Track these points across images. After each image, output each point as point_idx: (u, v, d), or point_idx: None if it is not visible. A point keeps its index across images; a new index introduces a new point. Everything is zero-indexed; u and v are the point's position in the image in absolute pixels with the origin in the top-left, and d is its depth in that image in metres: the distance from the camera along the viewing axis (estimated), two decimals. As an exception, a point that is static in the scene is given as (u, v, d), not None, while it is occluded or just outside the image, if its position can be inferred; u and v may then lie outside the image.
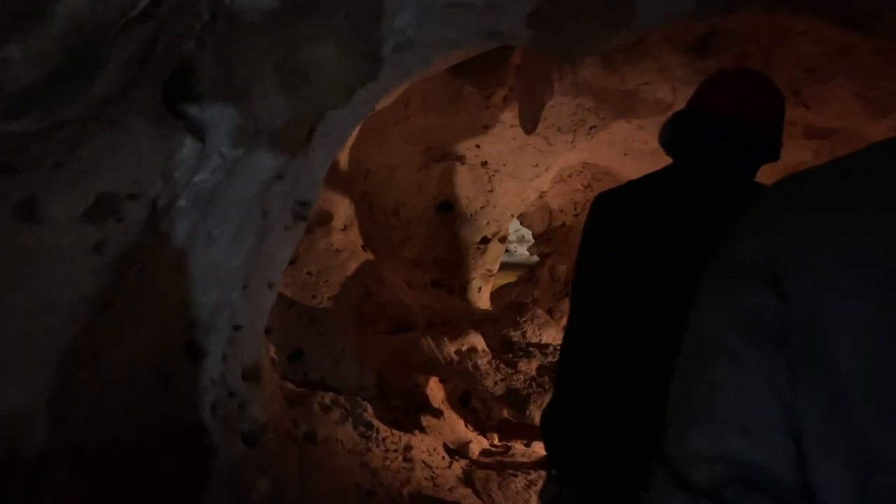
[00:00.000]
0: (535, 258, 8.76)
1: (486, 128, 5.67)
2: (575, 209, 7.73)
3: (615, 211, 1.72)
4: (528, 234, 9.45)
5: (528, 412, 4.29)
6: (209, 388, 2.61)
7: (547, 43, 2.86)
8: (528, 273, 8.12)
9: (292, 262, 4.93)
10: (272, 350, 4.54)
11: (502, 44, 2.90)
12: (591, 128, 5.72)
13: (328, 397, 4.20)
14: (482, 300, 6.42)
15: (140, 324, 1.99)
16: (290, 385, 4.30)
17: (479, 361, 4.50)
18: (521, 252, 13.74)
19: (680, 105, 5.42)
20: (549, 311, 7.59)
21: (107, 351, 1.79)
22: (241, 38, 1.55)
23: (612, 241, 1.65)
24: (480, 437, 4.89)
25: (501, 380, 4.43)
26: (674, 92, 5.14)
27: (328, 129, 2.67)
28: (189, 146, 1.55)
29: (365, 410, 4.21)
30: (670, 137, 1.72)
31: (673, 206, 1.58)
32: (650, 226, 1.58)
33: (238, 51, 1.57)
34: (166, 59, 1.40)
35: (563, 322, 4.66)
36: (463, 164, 5.93)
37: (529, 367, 4.59)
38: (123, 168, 1.41)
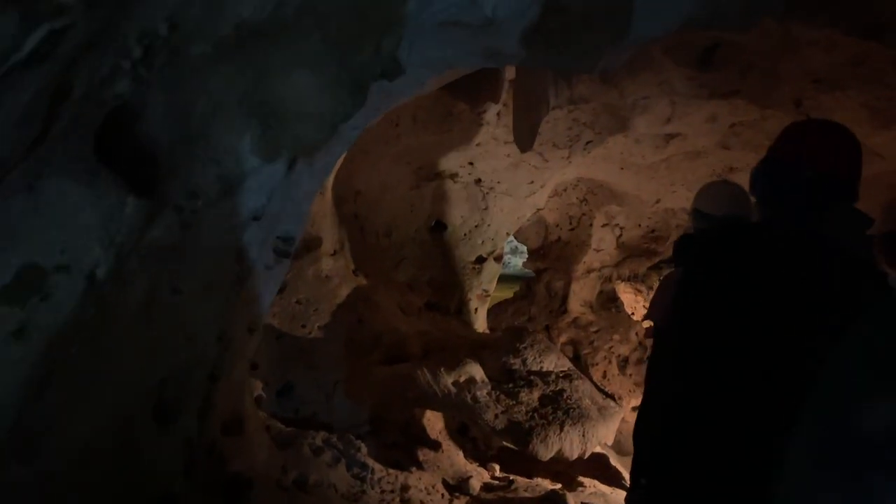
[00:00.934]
0: (527, 259, 8.45)
1: (480, 145, 5.39)
2: (570, 223, 7.45)
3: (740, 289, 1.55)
4: (522, 245, 9.18)
5: (531, 447, 3.99)
6: (181, 451, 2.30)
7: (546, 61, 2.58)
8: (524, 289, 7.82)
9: (279, 291, 4.61)
10: (259, 386, 4.23)
11: (500, 64, 2.62)
12: (587, 143, 5.45)
13: (319, 437, 3.89)
14: (479, 321, 6.12)
15: (92, 398, 1.68)
16: (278, 424, 3.98)
17: (479, 393, 4.20)
18: (516, 263, 13.46)
19: (680, 119, 5.17)
20: (547, 329, 7.31)
21: (45, 438, 1.48)
22: (194, 71, 1.26)
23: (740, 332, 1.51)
24: (481, 469, 4.58)
25: (502, 412, 4.13)
26: (672, 105, 4.88)
27: (311, 160, 2.37)
28: (132, 204, 1.25)
29: (358, 450, 3.90)
30: (779, 194, 1.60)
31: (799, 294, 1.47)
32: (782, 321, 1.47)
33: (192, 87, 1.28)
34: (91, 105, 1.11)
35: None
36: (456, 182, 5.64)
37: (531, 397, 4.29)
38: (46, 237, 1.11)
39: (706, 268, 1.63)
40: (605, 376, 6.88)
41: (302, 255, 4.73)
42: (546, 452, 4.01)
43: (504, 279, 8.95)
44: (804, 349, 1.29)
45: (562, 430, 4.09)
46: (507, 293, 8.30)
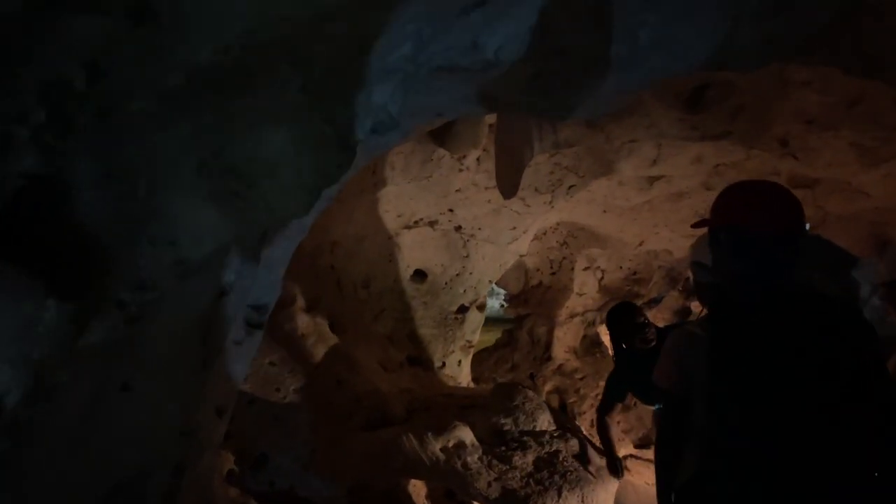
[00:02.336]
0: (509, 306, 8.17)
1: (460, 191, 5.14)
2: (551, 267, 7.20)
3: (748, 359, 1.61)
4: (500, 288, 8.90)
5: (527, 517, 3.65)
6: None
7: (543, 106, 2.32)
8: (506, 337, 7.52)
9: (252, 352, 4.26)
10: (231, 460, 3.84)
11: (494, 110, 2.37)
12: (570, 186, 5.23)
13: (297, 516, 3.51)
14: (464, 374, 5.79)
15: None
16: (252, 502, 3.59)
17: (469, 459, 3.86)
18: (492, 305, 13.17)
19: (665, 161, 4.97)
20: (532, 377, 7.00)
21: None
22: (134, 134, 0.96)
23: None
24: (471, 538, 4.21)
25: (495, 479, 3.79)
26: (658, 148, 4.68)
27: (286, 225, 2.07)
28: (55, 310, 0.94)
29: (341, 528, 3.52)
30: (746, 263, 1.71)
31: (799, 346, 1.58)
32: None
33: (133, 153, 0.98)
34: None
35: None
36: (435, 229, 5.36)
37: (525, 460, 3.96)
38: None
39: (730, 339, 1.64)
40: (592, 425, 6.56)
41: (275, 312, 4.38)
42: (544, 522, 3.68)
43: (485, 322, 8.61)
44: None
45: (559, 496, 3.76)
46: (486, 336, 7.98)
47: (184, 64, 0.92)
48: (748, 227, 1.67)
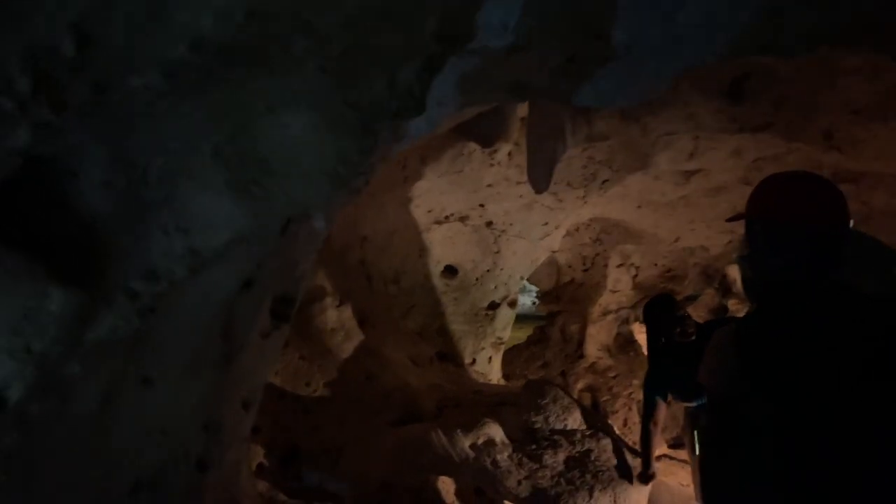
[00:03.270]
0: (541, 302, 8.06)
1: (491, 186, 5.04)
2: (584, 264, 7.07)
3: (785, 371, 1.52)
4: (531, 285, 8.78)
5: (558, 517, 3.56)
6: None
7: (577, 95, 2.23)
8: (537, 333, 7.41)
9: (283, 346, 4.24)
10: (260, 453, 3.82)
11: (524, 98, 2.28)
12: (603, 181, 5.10)
13: (326, 511, 3.48)
14: (494, 371, 5.71)
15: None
16: (282, 496, 3.56)
17: (499, 457, 3.78)
18: (524, 302, 13.05)
19: (703, 155, 4.82)
20: (563, 375, 6.89)
21: None
22: (142, 112, 0.90)
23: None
24: (501, 536, 4.13)
25: (525, 478, 3.70)
26: (695, 141, 4.54)
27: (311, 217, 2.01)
28: (59, 298, 0.89)
29: (369, 525, 3.47)
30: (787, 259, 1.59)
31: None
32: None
33: (143, 135, 0.92)
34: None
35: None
36: (466, 225, 5.28)
37: (556, 459, 3.86)
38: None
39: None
40: (625, 424, 6.44)
41: (305, 307, 4.35)
42: (575, 523, 3.58)
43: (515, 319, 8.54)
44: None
45: (591, 496, 3.66)
46: (517, 333, 7.88)
47: (184, 33, 0.85)
48: (784, 220, 1.56)
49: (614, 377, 6.77)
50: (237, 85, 1.02)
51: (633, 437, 6.30)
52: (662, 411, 4.10)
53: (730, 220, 1.91)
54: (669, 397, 4.17)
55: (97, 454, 1.49)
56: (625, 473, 3.94)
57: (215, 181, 1.10)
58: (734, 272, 7.72)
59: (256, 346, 2.28)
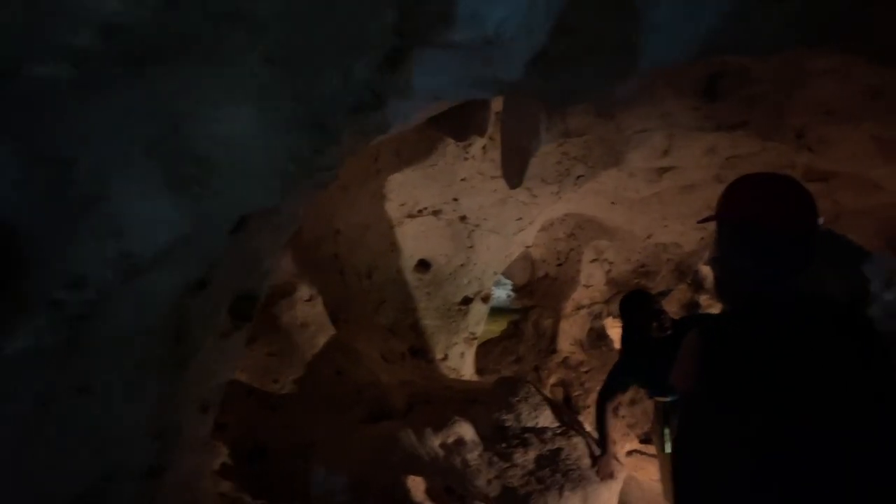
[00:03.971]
0: (515, 297, 8.02)
1: (465, 180, 4.96)
2: (558, 259, 7.02)
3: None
4: (506, 279, 8.72)
5: (528, 516, 3.50)
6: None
7: (550, 90, 2.15)
8: (511, 328, 7.35)
9: (250, 342, 4.12)
10: (225, 453, 3.71)
11: (497, 93, 2.19)
12: (578, 177, 5.05)
13: (292, 511, 3.38)
14: (466, 367, 5.64)
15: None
16: (246, 498, 3.46)
17: (469, 455, 3.71)
18: (499, 295, 12.99)
19: (677, 152, 4.77)
20: (536, 370, 6.85)
21: None
22: (60, 109, 0.80)
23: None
24: (471, 534, 4.07)
25: (495, 477, 3.64)
26: (669, 138, 4.49)
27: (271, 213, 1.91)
28: (-41, 313, 0.79)
29: (337, 524, 3.39)
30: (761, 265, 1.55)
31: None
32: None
33: (61, 131, 0.82)
34: None
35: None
36: (440, 219, 5.19)
37: (527, 457, 3.80)
38: None
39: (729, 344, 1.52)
40: (597, 419, 6.40)
41: (274, 301, 4.25)
42: (545, 522, 3.53)
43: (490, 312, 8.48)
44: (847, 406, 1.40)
45: (561, 495, 3.60)
46: (492, 326, 7.82)
47: (89, 18, 0.75)
48: (753, 223, 1.53)
49: (586, 372, 6.74)
50: (170, 76, 0.92)
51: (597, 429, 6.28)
52: (617, 400, 4.09)
53: (701, 221, 1.86)
54: (636, 392, 4.15)
55: (35, 464, 1.39)
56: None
57: (151, 180, 1.00)
58: (706, 269, 7.74)
59: (216, 347, 2.18)
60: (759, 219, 1.53)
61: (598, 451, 4.00)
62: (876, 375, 1.53)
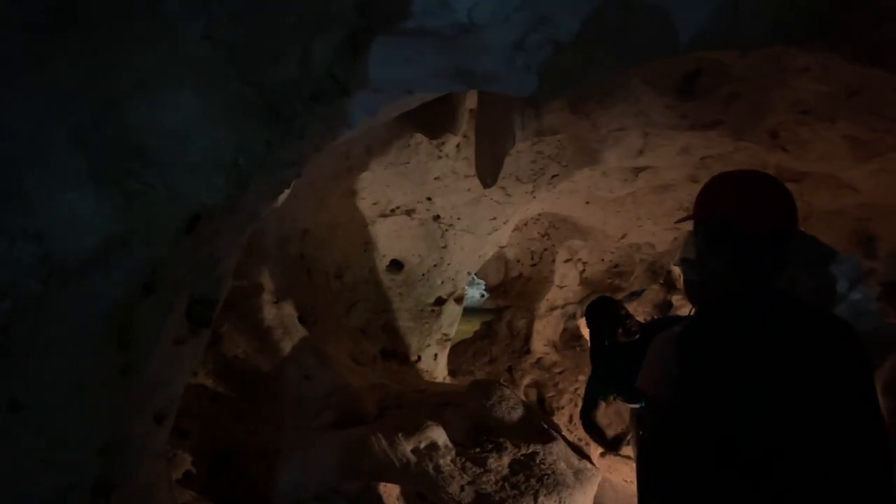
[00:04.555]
0: (488, 297, 7.94)
1: (438, 179, 4.85)
2: (532, 259, 6.94)
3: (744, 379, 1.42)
4: (479, 279, 8.63)
5: (502, 523, 3.41)
6: None
7: (527, 85, 2.04)
8: (484, 329, 7.26)
9: (214, 345, 3.97)
10: (188, 461, 3.56)
11: (472, 87, 2.08)
12: (552, 176, 4.96)
13: (258, 521, 3.24)
14: (439, 369, 5.53)
15: None
16: (210, 507, 3.32)
17: (441, 461, 3.60)
18: (472, 295, 12.91)
19: (652, 152, 4.71)
20: (510, 370, 6.76)
21: None
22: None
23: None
24: (444, 540, 3.96)
25: (469, 483, 3.53)
26: (645, 137, 4.42)
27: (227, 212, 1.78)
28: None
29: (304, 534, 3.25)
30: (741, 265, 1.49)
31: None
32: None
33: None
34: None
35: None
36: (413, 218, 5.07)
37: (501, 463, 3.70)
38: None
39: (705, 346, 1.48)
40: (571, 420, 6.34)
41: (241, 303, 4.09)
42: (519, 529, 3.43)
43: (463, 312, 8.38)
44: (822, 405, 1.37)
45: (535, 501, 3.52)
46: (465, 326, 7.72)
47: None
48: (732, 224, 1.46)
49: (560, 373, 6.67)
50: (96, 55, 0.79)
51: (578, 433, 6.21)
52: (601, 411, 4.02)
53: (678, 221, 1.80)
54: (611, 397, 4.09)
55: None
56: (571, 474, 3.82)
57: (76, 174, 0.87)
58: (679, 268, 7.73)
59: (170, 354, 2.03)
60: (737, 220, 1.46)
61: (578, 459, 3.94)
62: (855, 377, 1.48)
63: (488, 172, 4.14)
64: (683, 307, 7.34)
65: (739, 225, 1.44)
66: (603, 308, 3.86)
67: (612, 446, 3.95)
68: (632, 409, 3.92)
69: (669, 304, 7.48)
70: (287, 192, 2.65)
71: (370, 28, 1.16)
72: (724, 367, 1.44)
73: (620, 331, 3.67)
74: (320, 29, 0.99)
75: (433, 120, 4.11)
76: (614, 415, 6.54)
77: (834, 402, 1.42)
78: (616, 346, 3.72)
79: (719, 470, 1.41)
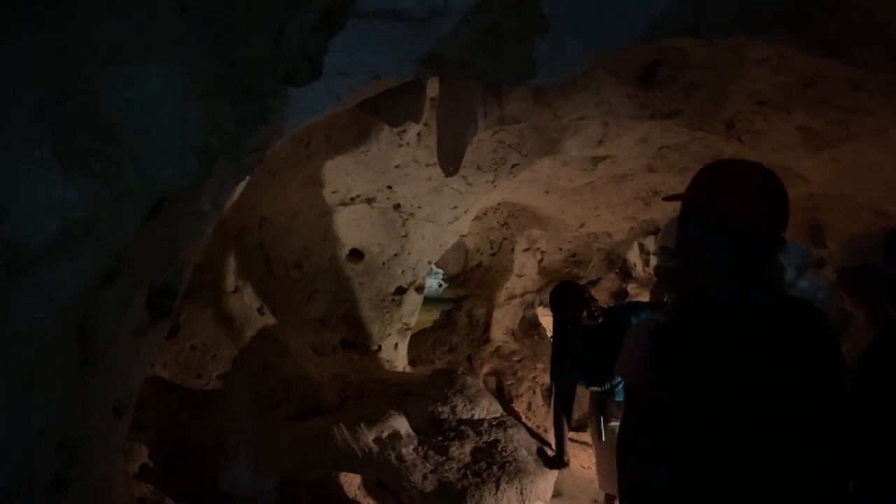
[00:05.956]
0: (448, 287, 7.93)
1: (399, 167, 4.80)
2: (491, 248, 6.95)
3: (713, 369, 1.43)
4: (438, 268, 8.61)
5: (464, 512, 3.41)
6: None
7: (497, 71, 2.02)
8: (444, 318, 7.25)
9: (171, 335, 3.86)
10: (145, 454, 3.46)
11: (440, 73, 2.06)
12: (513, 165, 4.96)
13: (217, 514, 3.18)
14: (399, 358, 5.50)
15: None
16: (167, 501, 3.23)
17: (404, 450, 3.58)
18: (430, 284, 12.88)
19: (611, 141, 4.75)
20: (469, 359, 6.78)
21: None
22: None
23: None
24: (406, 529, 3.95)
25: (431, 471, 3.52)
26: (605, 127, 4.46)
27: (190, 198, 1.72)
28: None
29: (265, 527, 3.20)
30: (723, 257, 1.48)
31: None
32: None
33: None
34: None
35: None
36: (373, 207, 5.02)
37: (463, 451, 3.70)
38: None
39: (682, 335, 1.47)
40: (529, 408, 6.40)
41: (197, 293, 3.99)
42: (482, 517, 3.44)
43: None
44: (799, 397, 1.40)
45: (497, 488, 3.53)
46: (424, 316, 7.70)
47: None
48: (732, 217, 1.43)
49: (519, 361, 6.71)
50: (62, 27, 0.74)
51: (536, 420, 6.27)
52: (572, 396, 4.06)
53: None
54: (573, 382, 4.12)
55: None
56: (532, 461, 3.85)
57: (39, 153, 0.82)
58: (634, 257, 7.84)
59: (129, 346, 1.96)
60: (740, 215, 1.43)
61: (537, 444, 3.97)
62: (831, 370, 1.51)
63: (450, 161, 4.10)
64: (639, 295, 7.46)
65: (741, 220, 1.41)
66: (566, 292, 3.89)
67: (560, 458, 3.98)
68: (592, 394, 3.96)
69: (625, 293, 7.60)
70: (246, 179, 2.58)
71: (345, 5, 1.12)
72: (703, 358, 1.44)
73: (584, 315, 3.70)
74: (296, 5, 0.95)
75: (394, 107, 4.06)
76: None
77: (810, 394, 1.44)
78: (578, 331, 3.76)
79: (693, 457, 1.43)
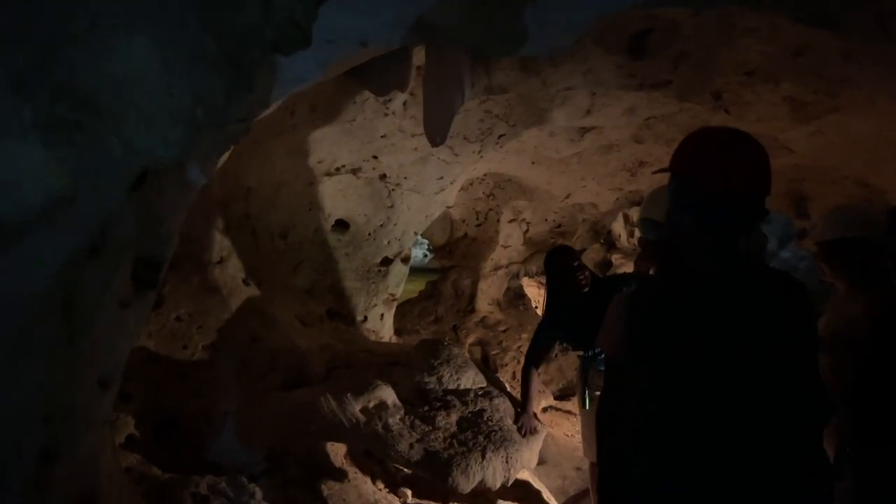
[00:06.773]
0: (434, 257, 7.94)
1: (385, 137, 4.75)
2: (477, 219, 6.94)
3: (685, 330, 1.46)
4: (423, 238, 8.60)
5: (451, 479, 3.44)
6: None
7: (486, 39, 1.99)
8: (430, 288, 7.26)
9: (157, 306, 3.83)
10: (131, 424, 3.46)
11: (426, 40, 2.02)
12: (500, 136, 4.94)
13: (204, 483, 3.18)
14: (386, 329, 5.51)
15: None
16: (155, 471, 3.24)
17: (391, 420, 3.60)
18: (416, 254, 12.87)
19: (599, 112, 4.72)
20: (454, 329, 6.81)
21: None
22: None
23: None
24: (392, 497, 3.98)
25: (417, 441, 3.55)
26: (592, 97, 4.44)
27: (176, 168, 1.69)
28: None
29: (252, 496, 3.21)
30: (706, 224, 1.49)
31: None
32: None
33: None
34: None
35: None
36: (359, 177, 4.98)
37: (449, 420, 3.73)
38: None
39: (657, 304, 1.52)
40: (514, 377, 6.45)
41: (182, 263, 3.95)
42: (467, 484, 3.48)
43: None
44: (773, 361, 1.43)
45: (483, 457, 3.57)
46: (409, 286, 7.70)
47: None
48: (698, 180, 1.46)
49: (504, 331, 6.76)
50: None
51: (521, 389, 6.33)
52: (545, 354, 4.16)
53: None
54: (559, 346, 4.19)
55: None
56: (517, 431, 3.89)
57: (19, 124, 0.79)
58: (619, 228, 7.87)
59: (115, 318, 1.94)
60: (704, 177, 1.46)
61: (519, 410, 4.01)
62: (805, 340, 1.53)
63: (437, 131, 4.06)
64: (623, 266, 7.50)
65: (706, 182, 1.43)
66: (560, 256, 3.95)
67: (523, 405, 4.03)
68: (580, 363, 4.00)
69: (609, 264, 7.64)
70: (231, 148, 2.54)
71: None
72: (677, 327, 1.46)
73: (572, 281, 3.75)
74: (286, -29, 0.92)
75: (381, 76, 4.00)
76: (556, 371, 6.71)
77: (786, 363, 1.47)
78: (568, 296, 3.81)
79: (669, 426, 1.44)
